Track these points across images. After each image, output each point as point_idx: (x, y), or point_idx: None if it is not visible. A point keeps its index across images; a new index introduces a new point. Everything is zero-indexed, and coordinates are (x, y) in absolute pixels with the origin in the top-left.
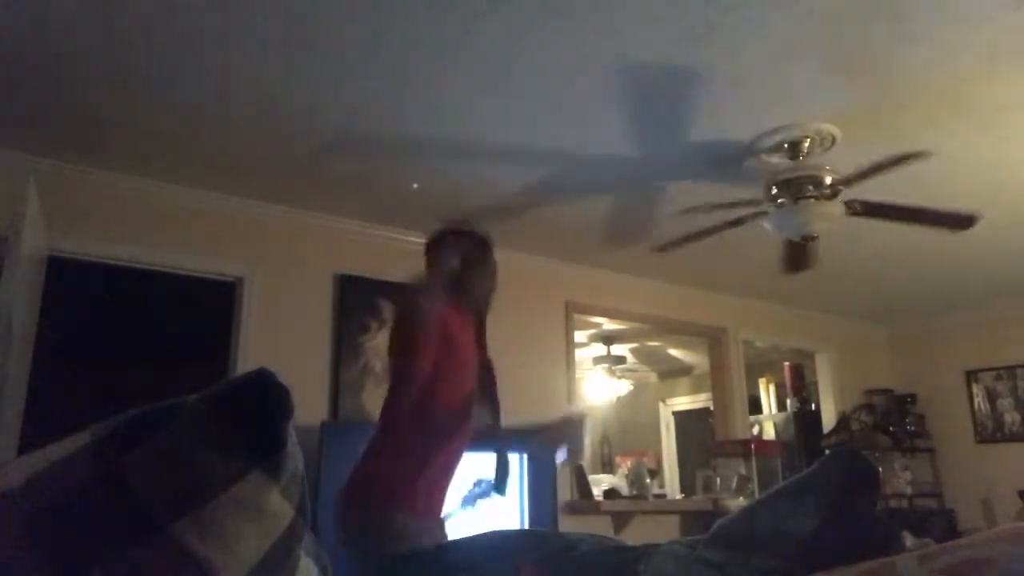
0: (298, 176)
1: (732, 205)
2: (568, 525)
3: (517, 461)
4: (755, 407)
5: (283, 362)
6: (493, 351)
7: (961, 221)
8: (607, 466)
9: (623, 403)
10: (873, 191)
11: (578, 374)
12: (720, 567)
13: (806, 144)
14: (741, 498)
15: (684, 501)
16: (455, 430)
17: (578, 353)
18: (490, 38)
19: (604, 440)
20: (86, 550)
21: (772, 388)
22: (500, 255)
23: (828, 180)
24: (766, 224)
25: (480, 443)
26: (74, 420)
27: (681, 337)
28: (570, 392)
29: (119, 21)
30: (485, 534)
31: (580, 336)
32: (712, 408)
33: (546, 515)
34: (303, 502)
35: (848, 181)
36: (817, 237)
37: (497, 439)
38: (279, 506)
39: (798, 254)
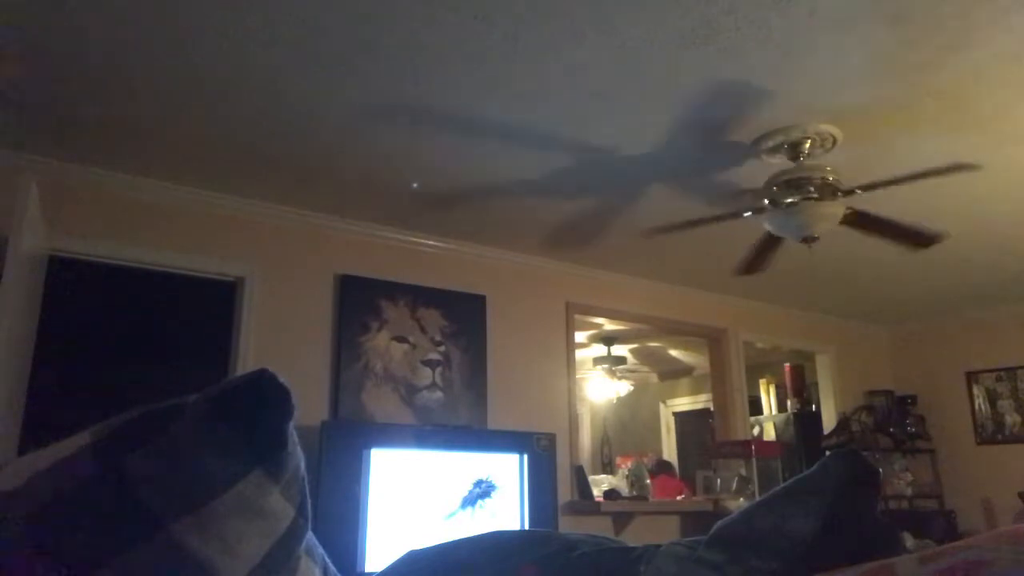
0: (298, 176)
1: (725, 217)
2: (568, 525)
3: (517, 462)
4: (755, 408)
5: (283, 362)
6: (494, 352)
7: (926, 239)
8: (607, 466)
9: (623, 404)
10: (871, 195)
11: (578, 375)
12: (720, 568)
13: (806, 145)
14: (741, 499)
15: (684, 502)
16: None
17: (578, 354)
18: (491, 38)
19: (604, 441)
20: (86, 551)
21: (772, 389)
22: (501, 256)
23: (829, 180)
24: (766, 225)
25: (474, 445)
26: (74, 420)
27: (681, 338)
28: (571, 393)
29: (119, 21)
30: (485, 534)
31: (580, 336)
32: (712, 409)
33: (546, 515)
34: (304, 502)
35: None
36: (818, 238)
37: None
38: (280, 506)
39: (758, 258)
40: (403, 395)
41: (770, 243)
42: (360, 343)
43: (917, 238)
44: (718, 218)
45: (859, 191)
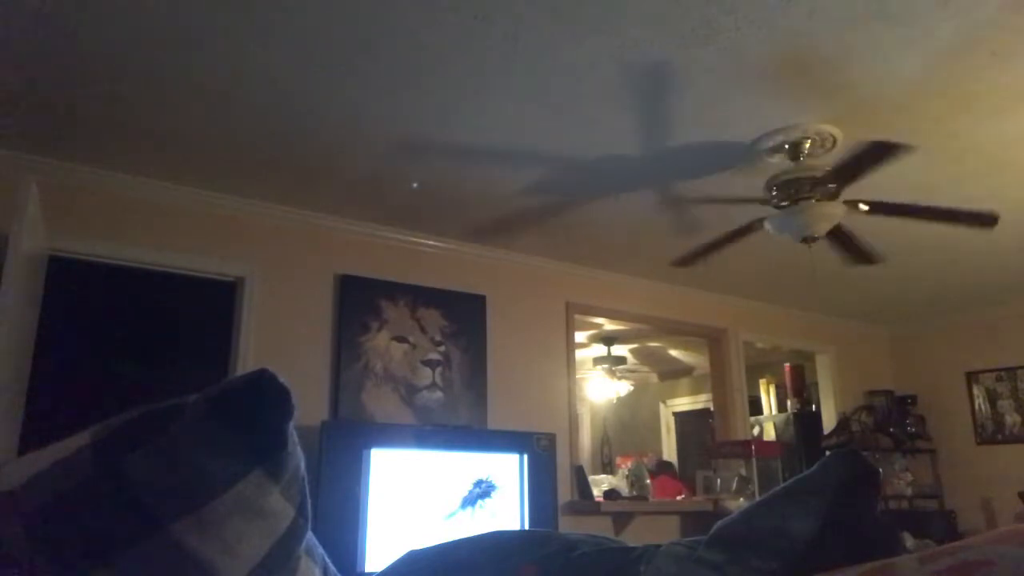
0: (298, 176)
1: (732, 201)
2: (568, 525)
3: (517, 462)
4: (755, 408)
5: (283, 362)
6: (494, 352)
7: (983, 220)
8: (607, 467)
9: (623, 404)
10: (871, 192)
11: (579, 375)
12: (720, 568)
13: (807, 145)
14: (741, 499)
15: (684, 502)
16: None
17: (578, 354)
18: (492, 40)
19: (604, 441)
20: (86, 551)
21: (772, 389)
22: (501, 256)
23: (829, 181)
24: (767, 225)
25: (474, 445)
26: (74, 420)
27: (681, 338)
28: (571, 393)
29: (119, 21)
30: (485, 534)
31: (580, 336)
32: (712, 409)
33: (546, 515)
34: (304, 502)
35: (838, 176)
36: (818, 238)
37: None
38: (280, 506)
39: (702, 253)
40: (403, 395)
41: (730, 237)
42: (360, 343)
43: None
44: (736, 234)
45: (864, 206)
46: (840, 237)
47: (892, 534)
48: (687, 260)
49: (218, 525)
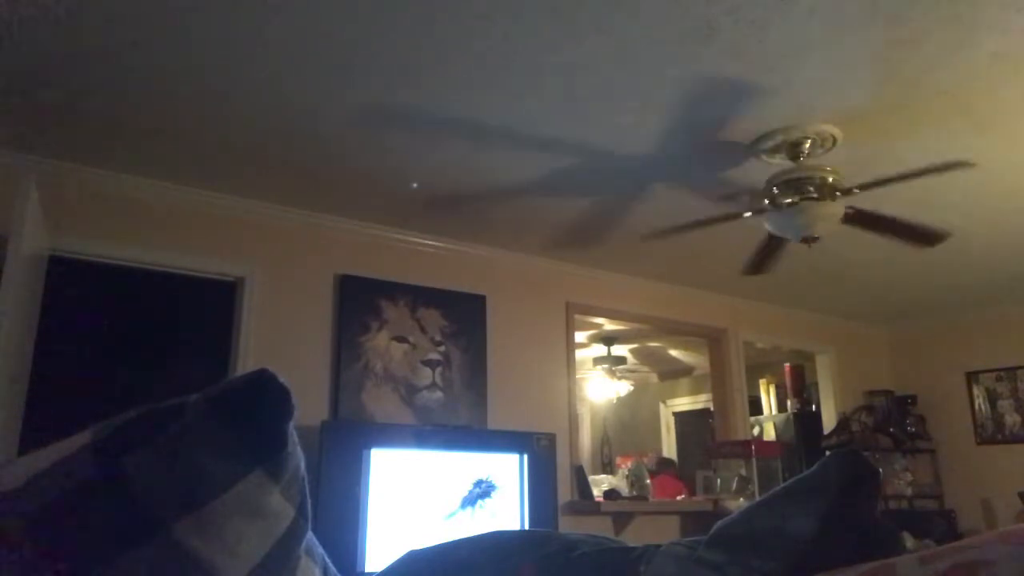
0: (298, 176)
1: (724, 218)
2: (568, 525)
3: (517, 462)
4: (755, 408)
5: (283, 362)
6: (494, 352)
7: (930, 237)
8: (607, 466)
9: (623, 404)
10: (872, 203)
11: (579, 375)
12: (720, 568)
13: (806, 145)
14: (741, 499)
15: (684, 502)
16: None
17: (578, 354)
18: (492, 39)
19: (604, 441)
20: (86, 551)
21: (772, 389)
22: (501, 256)
23: (829, 180)
24: (767, 225)
25: (474, 445)
26: (74, 420)
27: (681, 338)
28: (571, 393)
29: (119, 21)
30: (485, 534)
31: (580, 336)
32: (712, 409)
33: (546, 515)
34: (304, 502)
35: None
36: (818, 238)
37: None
38: (280, 506)
39: (764, 258)
40: (403, 395)
41: (776, 243)
42: (360, 343)
43: (920, 236)
44: (717, 220)
45: (857, 190)
46: (890, 226)
47: (892, 534)
48: (657, 235)
49: (218, 525)
